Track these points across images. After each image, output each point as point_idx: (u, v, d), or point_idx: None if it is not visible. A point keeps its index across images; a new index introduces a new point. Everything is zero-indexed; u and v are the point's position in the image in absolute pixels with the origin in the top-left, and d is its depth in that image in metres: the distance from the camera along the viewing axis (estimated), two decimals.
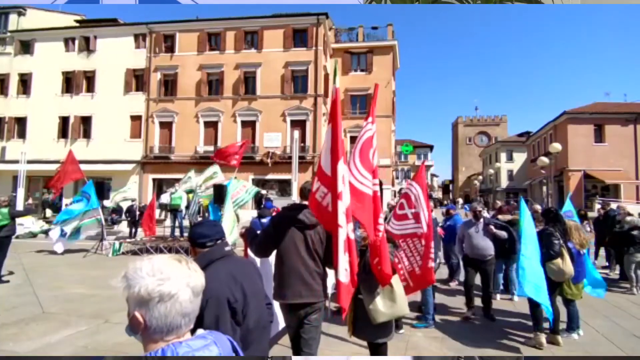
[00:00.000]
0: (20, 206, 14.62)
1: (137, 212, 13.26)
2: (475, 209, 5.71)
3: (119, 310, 5.38)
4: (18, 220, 8.88)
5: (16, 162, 17.87)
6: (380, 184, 3.21)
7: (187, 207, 14.31)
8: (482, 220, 5.62)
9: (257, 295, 2.08)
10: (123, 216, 16.62)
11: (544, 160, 21.39)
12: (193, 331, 1.09)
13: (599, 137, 27.13)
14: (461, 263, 6.69)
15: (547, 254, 4.43)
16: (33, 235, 13.93)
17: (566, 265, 4.40)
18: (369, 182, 2.86)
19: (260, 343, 2.08)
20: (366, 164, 2.89)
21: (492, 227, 5.50)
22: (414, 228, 4.09)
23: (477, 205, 5.85)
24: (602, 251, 9.71)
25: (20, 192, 15.80)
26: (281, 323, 3.51)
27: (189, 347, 0.99)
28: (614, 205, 9.72)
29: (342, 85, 25.15)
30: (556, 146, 19.83)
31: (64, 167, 10.91)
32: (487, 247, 5.43)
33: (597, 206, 11.07)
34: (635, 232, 7.11)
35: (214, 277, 1.84)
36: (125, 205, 15.19)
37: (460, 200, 36.61)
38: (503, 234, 5.53)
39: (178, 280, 1.00)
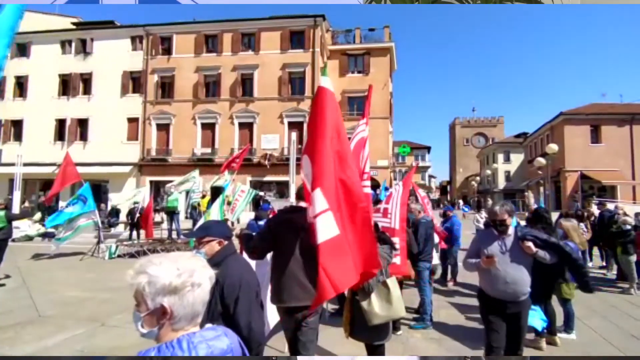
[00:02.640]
0: (16, 209, 14.51)
1: (137, 215, 13.22)
2: (498, 218, 3.17)
3: (116, 313, 5.36)
4: (14, 223, 8.84)
5: (12, 165, 17.77)
6: (377, 186, 3.30)
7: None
8: (511, 234, 3.20)
9: (260, 283, 2.42)
10: (121, 218, 16.60)
11: (541, 161, 21.46)
12: (201, 324, 1.18)
13: (596, 137, 27.25)
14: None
15: None
16: (29, 238, 13.86)
17: None
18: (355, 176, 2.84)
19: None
20: (355, 162, 2.93)
21: (530, 243, 3.10)
22: (379, 221, 4.22)
23: (500, 209, 3.18)
24: (595, 251, 9.76)
25: (17, 195, 15.67)
26: (272, 320, 3.54)
27: (202, 337, 1.07)
28: (611, 206, 9.77)
29: (339, 87, 25.20)
30: (553, 147, 19.91)
31: (62, 170, 10.83)
32: (522, 279, 3.08)
33: (593, 207, 11.09)
34: (633, 232, 7.15)
35: (241, 266, 2.20)
36: (125, 208, 15.19)
37: (461, 202, 36.71)
38: (547, 257, 3.16)
39: (202, 272, 1.12)
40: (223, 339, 1.11)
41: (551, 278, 3.89)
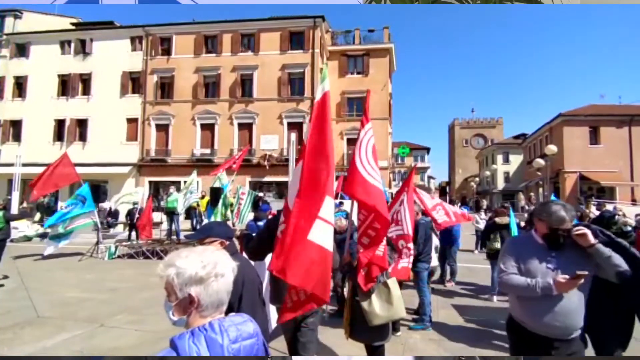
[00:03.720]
0: (15, 210, 14.49)
1: (137, 215, 13.22)
2: (564, 227, 2.17)
3: (115, 314, 5.35)
4: (13, 223, 8.83)
5: (11, 165, 17.75)
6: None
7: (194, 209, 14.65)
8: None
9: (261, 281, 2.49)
10: (120, 219, 16.59)
11: (540, 162, 21.50)
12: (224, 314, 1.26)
13: (594, 139, 27.30)
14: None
15: None
16: (28, 239, 13.83)
17: None
18: (379, 178, 3.05)
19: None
20: (376, 163, 3.11)
21: (586, 230, 2.12)
22: (396, 231, 4.28)
23: (568, 214, 2.19)
24: None
25: (15, 196, 15.66)
26: (274, 321, 3.52)
27: (232, 322, 1.18)
28: (609, 207, 9.79)
29: (338, 88, 25.22)
30: (552, 148, 19.95)
31: (54, 170, 10.74)
32: (578, 309, 2.16)
33: (592, 208, 11.12)
34: (634, 233, 7.16)
35: (244, 264, 2.21)
36: (124, 208, 15.19)
37: (459, 203, 36.65)
38: (613, 256, 2.08)
39: (225, 263, 1.21)
40: (249, 324, 1.21)
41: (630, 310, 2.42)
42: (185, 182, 13.54)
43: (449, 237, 7.54)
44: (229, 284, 1.21)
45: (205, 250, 1.23)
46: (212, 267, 1.17)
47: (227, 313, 2.00)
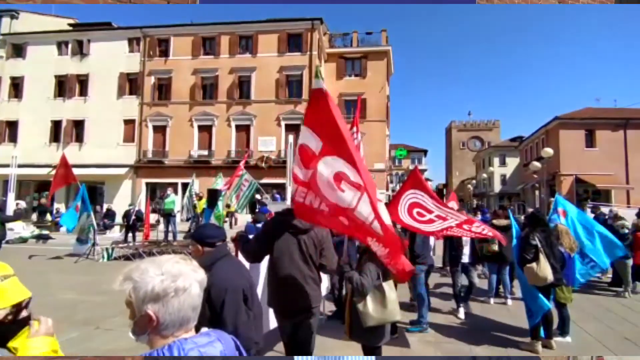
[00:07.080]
0: (10, 211, 14.39)
1: (133, 217, 13.15)
2: None
3: (111, 317, 5.32)
4: (8, 225, 8.78)
5: (7, 166, 17.65)
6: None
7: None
8: None
9: (254, 286, 2.41)
10: (116, 220, 16.52)
11: (536, 164, 21.60)
12: (197, 329, 1.15)
13: (590, 142, 27.44)
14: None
15: (522, 258, 4.45)
16: (23, 240, 13.72)
17: (540, 269, 4.27)
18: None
19: (259, 327, 2.39)
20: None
21: None
22: (454, 219, 4.05)
23: None
24: None
25: (11, 197, 15.57)
26: (272, 322, 3.49)
27: (194, 344, 1.04)
28: (605, 210, 9.84)
29: (336, 90, 25.25)
30: (548, 151, 20.03)
31: (57, 172, 10.77)
32: None
33: (587, 211, 11.17)
34: (631, 236, 7.21)
35: (230, 270, 2.16)
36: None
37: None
38: None
39: (189, 276, 1.08)
40: (216, 344, 1.09)
41: None
42: (183, 183, 13.49)
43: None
44: (193, 299, 1.08)
45: (167, 261, 1.09)
46: (171, 281, 1.04)
47: (213, 320, 1.93)
